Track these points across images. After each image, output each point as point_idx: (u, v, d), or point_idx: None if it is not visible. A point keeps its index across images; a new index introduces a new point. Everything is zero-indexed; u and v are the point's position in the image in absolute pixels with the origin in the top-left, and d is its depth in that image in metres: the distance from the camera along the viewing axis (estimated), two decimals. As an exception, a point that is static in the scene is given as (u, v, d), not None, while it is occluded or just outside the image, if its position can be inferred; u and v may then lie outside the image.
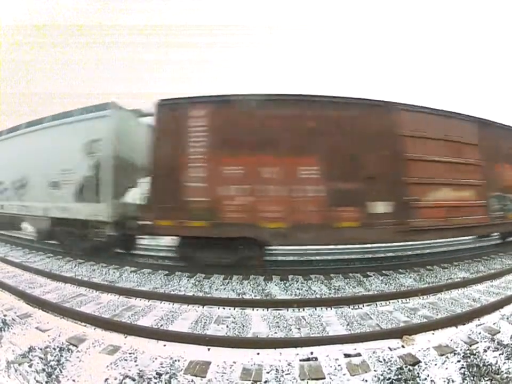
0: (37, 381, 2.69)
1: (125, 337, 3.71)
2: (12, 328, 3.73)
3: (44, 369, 2.84)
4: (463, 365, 2.90)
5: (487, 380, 2.62)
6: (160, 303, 5.09)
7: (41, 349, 3.20)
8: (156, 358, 3.19)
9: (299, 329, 4.10)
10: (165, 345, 3.54)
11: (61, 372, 2.85)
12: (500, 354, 3.01)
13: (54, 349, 3.25)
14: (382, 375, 2.85)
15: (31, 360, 2.96)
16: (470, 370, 2.80)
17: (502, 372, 2.72)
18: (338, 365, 3.08)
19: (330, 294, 5.76)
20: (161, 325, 4.18)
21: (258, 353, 3.34)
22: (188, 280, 6.62)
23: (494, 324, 3.84)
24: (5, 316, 4.06)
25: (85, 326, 4.01)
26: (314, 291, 5.90)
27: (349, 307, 4.87)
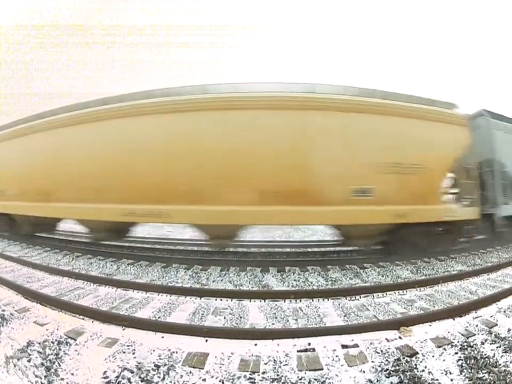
0: (36, 376, 2.67)
1: (123, 330, 3.70)
2: (10, 323, 3.71)
3: (42, 364, 2.83)
4: (460, 357, 2.92)
5: (485, 373, 2.63)
6: (158, 295, 5.09)
7: (39, 343, 3.19)
8: (154, 350, 3.19)
9: (296, 320, 4.12)
10: (163, 337, 3.54)
11: (60, 365, 2.84)
12: (497, 347, 3.04)
13: (53, 342, 3.23)
14: (379, 366, 2.86)
15: (29, 354, 2.94)
16: (468, 362, 2.81)
17: (500, 364, 2.73)
18: (336, 356, 3.10)
19: (327, 285, 5.78)
20: (159, 317, 4.18)
21: (256, 344, 3.36)
22: (185, 272, 6.63)
23: (491, 316, 3.86)
24: (3, 311, 4.04)
25: (83, 319, 4.00)
26: (311, 282, 5.92)
27: (346, 298, 4.90)
